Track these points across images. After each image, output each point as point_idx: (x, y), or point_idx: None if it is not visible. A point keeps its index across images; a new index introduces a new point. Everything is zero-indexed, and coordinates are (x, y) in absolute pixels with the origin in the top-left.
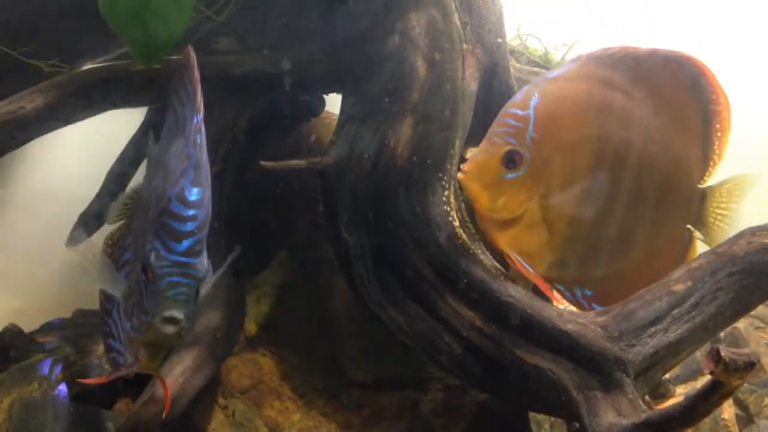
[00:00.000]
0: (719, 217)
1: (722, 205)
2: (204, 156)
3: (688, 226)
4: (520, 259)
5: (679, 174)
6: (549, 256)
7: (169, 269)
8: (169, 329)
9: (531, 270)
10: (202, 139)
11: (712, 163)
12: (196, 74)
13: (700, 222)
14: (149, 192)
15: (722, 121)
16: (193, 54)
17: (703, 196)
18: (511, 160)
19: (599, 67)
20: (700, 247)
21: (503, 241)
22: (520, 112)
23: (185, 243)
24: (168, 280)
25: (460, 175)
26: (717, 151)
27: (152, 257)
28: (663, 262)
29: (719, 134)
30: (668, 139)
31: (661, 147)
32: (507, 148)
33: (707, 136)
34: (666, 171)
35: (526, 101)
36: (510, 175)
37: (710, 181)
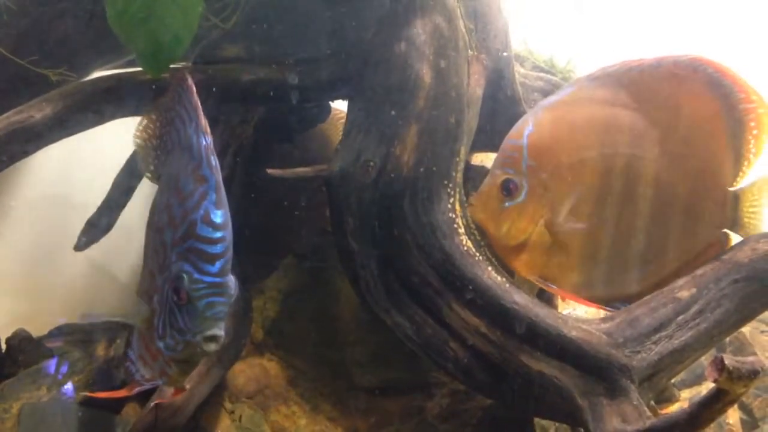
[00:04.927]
0: (754, 217)
1: (755, 204)
2: (220, 177)
3: (725, 230)
4: (542, 281)
5: (706, 181)
6: (572, 276)
7: (206, 291)
8: (212, 347)
9: (555, 288)
10: (216, 160)
11: (747, 163)
12: (196, 98)
13: (736, 224)
14: (159, 212)
15: (758, 118)
16: (190, 79)
17: (736, 198)
18: (507, 189)
19: (598, 87)
20: None
21: (520, 266)
22: (515, 142)
23: (218, 264)
24: (206, 302)
25: (468, 207)
26: (753, 150)
27: (185, 281)
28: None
29: (755, 132)
30: (688, 147)
31: (680, 157)
32: (504, 177)
33: (739, 136)
34: (690, 181)
35: (521, 130)
36: (509, 203)
37: (744, 181)
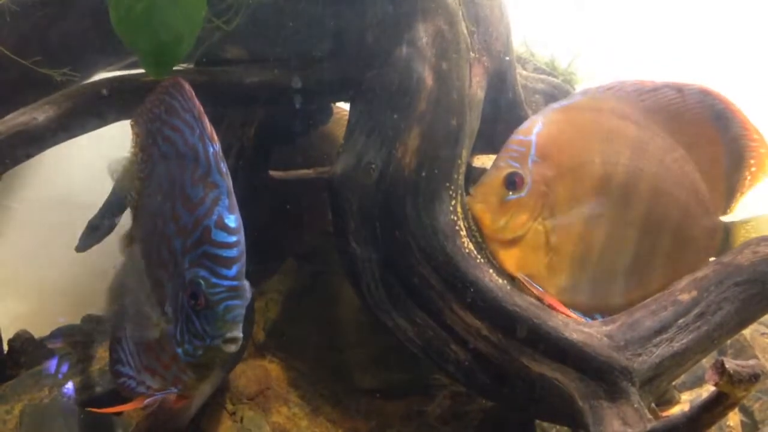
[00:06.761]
0: None
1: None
2: (231, 182)
3: (712, 258)
4: (528, 279)
5: (697, 205)
6: (559, 279)
7: (225, 294)
8: (233, 348)
9: (540, 289)
10: (225, 166)
11: (734, 197)
12: (199, 105)
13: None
14: (164, 222)
15: (759, 157)
16: (188, 87)
17: (728, 230)
18: (512, 182)
19: (609, 98)
20: None
21: (509, 262)
22: (523, 138)
23: (235, 268)
24: (225, 305)
25: (467, 197)
26: (746, 186)
27: (203, 285)
28: None
29: (754, 170)
30: (684, 170)
31: (675, 177)
32: (509, 170)
33: (736, 170)
34: (682, 201)
35: (530, 127)
36: (512, 196)
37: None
